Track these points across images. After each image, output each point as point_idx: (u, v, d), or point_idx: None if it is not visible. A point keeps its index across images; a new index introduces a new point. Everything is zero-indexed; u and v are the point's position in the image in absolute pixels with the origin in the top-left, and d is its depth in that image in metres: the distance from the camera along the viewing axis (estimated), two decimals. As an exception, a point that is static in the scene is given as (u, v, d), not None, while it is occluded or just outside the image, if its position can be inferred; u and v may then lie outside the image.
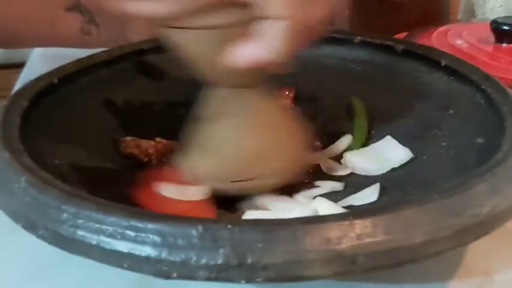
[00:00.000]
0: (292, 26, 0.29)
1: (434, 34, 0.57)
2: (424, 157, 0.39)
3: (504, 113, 0.34)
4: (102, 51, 0.47)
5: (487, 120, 0.36)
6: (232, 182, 0.37)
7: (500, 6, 0.78)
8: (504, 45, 0.53)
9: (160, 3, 0.29)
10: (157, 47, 0.50)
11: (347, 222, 0.23)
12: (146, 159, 0.41)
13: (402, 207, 0.24)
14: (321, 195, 0.37)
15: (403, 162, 0.39)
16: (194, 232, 0.23)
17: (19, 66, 0.78)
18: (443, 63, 0.42)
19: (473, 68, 0.41)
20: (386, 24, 0.66)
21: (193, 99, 0.49)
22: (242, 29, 0.30)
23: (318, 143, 0.44)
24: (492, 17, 0.56)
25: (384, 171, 0.39)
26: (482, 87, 0.38)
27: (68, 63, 0.44)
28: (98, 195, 0.34)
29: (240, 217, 0.33)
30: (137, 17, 0.31)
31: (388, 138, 0.42)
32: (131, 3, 0.29)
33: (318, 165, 0.41)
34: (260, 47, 0.30)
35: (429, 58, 0.44)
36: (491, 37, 0.54)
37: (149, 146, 0.42)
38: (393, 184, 0.38)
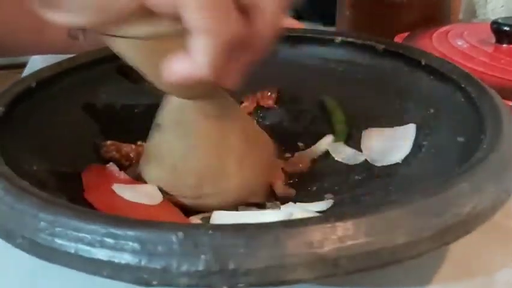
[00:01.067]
0: (216, 40, 0.26)
1: (435, 34, 0.57)
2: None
3: (484, 111, 0.34)
4: (83, 54, 0.47)
5: (467, 119, 0.36)
6: (182, 197, 0.35)
7: (502, 6, 0.78)
8: (504, 45, 0.52)
9: (73, 15, 0.27)
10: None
11: (329, 225, 0.23)
12: (127, 163, 0.41)
13: (384, 208, 0.24)
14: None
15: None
16: (174, 238, 0.22)
17: (19, 66, 0.78)
18: (423, 62, 0.42)
19: (453, 67, 0.41)
20: (386, 24, 0.65)
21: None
22: (183, 41, 0.27)
23: (300, 144, 0.44)
24: (493, 18, 0.56)
25: (385, 164, 0.39)
26: (462, 86, 0.38)
27: (48, 66, 0.44)
28: (78, 202, 0.34)
29: (208, 218, 0.33)
30: (59, 25, 0.29)
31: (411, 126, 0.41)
32: (48, 12, 0.28)
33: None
34: (190, 61, 0.27)
35: (410, 58, 0.44)
36: (492, 38, 0.54)
37: (130, 149, 0.41)
38: (376, 183, 0.38)
